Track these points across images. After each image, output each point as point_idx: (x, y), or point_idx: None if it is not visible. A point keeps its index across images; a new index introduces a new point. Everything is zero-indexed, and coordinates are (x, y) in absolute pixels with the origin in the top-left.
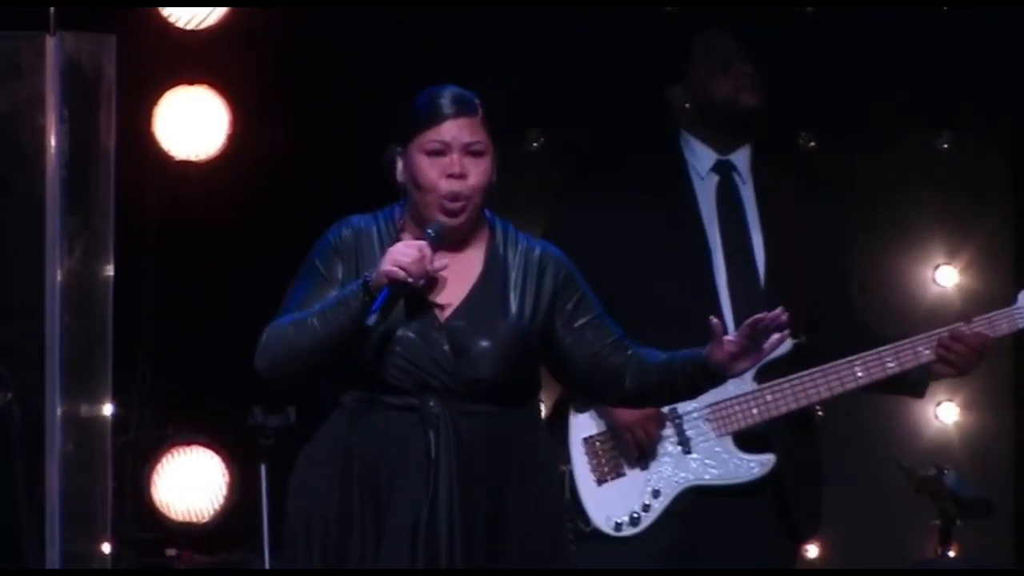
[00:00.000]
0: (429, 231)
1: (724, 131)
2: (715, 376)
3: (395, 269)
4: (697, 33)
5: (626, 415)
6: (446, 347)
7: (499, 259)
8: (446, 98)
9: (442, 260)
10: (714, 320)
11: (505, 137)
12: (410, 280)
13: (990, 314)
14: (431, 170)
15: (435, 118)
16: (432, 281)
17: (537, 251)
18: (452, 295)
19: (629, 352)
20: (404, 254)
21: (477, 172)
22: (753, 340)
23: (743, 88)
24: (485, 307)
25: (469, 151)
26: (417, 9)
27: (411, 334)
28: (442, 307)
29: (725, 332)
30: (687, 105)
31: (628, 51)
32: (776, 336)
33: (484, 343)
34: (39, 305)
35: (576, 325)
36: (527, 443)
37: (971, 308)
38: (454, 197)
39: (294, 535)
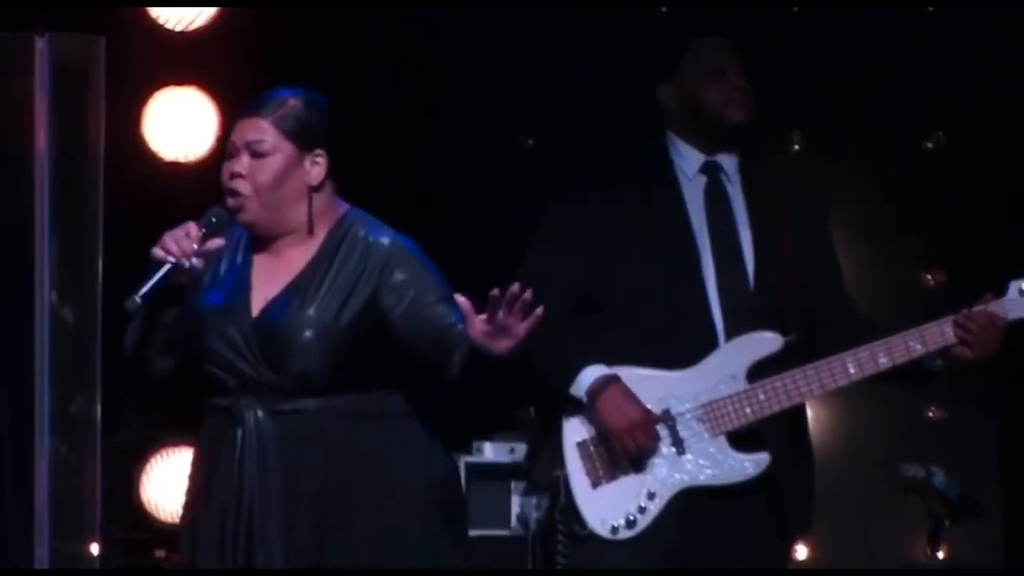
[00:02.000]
0: (210, 215)
1: (709, 138)
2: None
3: (157, 249)
4: (695, 36)
5: (616, 423)
6: (255, 344)
7: (328, 254)
8: (255, 98)
9: (216, 242)
10: (459, 297)
11: (497, 138)
12: (172, 259)
13: (980, 307)
14: (224, 169)
15: (235, 119)
16: (249, 280)
17: (384, 243)
18: (268, 292)
19: (460, 335)
20: (168, 234)
21: (258, 172)
22: (505, 320)
23: (732, 101)
24: (299, 302)
25: (251, 151)
26: (404, 9)
27: (227, 333)
28: (255, 305)
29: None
30: (675, 106)
31: (616, 51)
32: (533, 317)
33: (294, 338)
34: (28, 305)
35: (408, 312)
36: (358, 438)
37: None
38: (231, 194)
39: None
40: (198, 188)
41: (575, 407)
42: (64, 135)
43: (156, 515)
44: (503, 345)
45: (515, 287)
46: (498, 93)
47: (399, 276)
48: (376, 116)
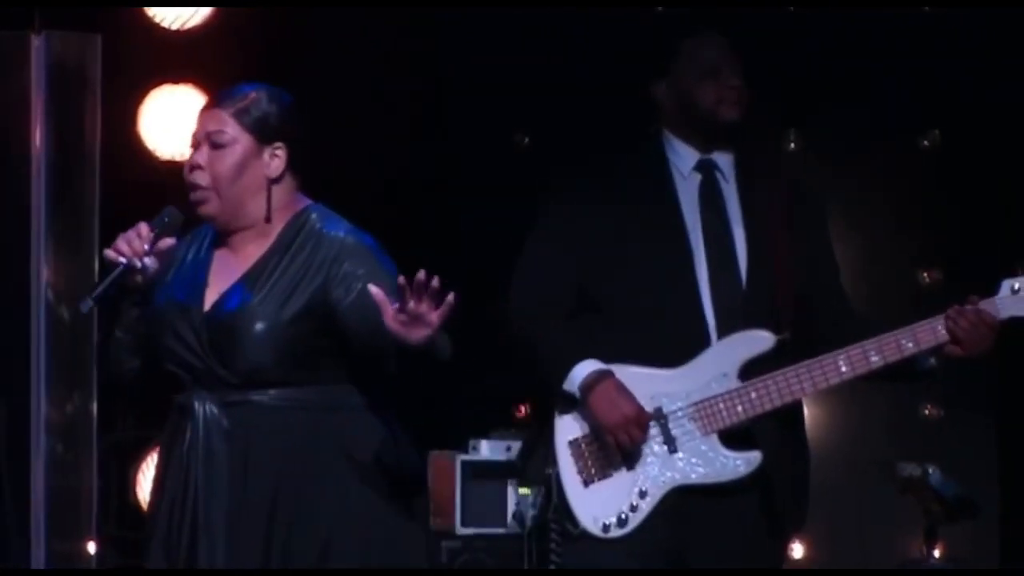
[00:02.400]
0: (163, 215)
1: (704, 136)
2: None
3: (108, 251)
4: (690, 34)
5: (609, 418)
6: (205, 338)
7: (282, 246)
8: (219, 92)
9: (167, 241)
10: (372, 287)
11: (492, 136)
12: (123, 260)
13: (971, 306)
14: (186, 163)
15: (199, 112)
16: (206, 276)
17: (337, 235)
18: (222, 286)
19: None
20: (121, 235)
21: (217, 163)
22: (417, 308)
23: (725, 100)
24: (249, 295)
25: (211, 142)
26: (403, 8)
27: (179, 329)
28: (208, 299)
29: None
30: (669, 104)
31: (612, 50)
32: (446, 305)
33: (242, 331)
34: (24, 305)
35: (356, 303)
36: (313, 431)
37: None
38: (191, 187)
39: None
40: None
41: (568, 405)
42: (60, 133)
43: None
44: (418, 334)
45: (421, 274)
46: (494, 92)
47: (348, 268)
48: (372, 115)
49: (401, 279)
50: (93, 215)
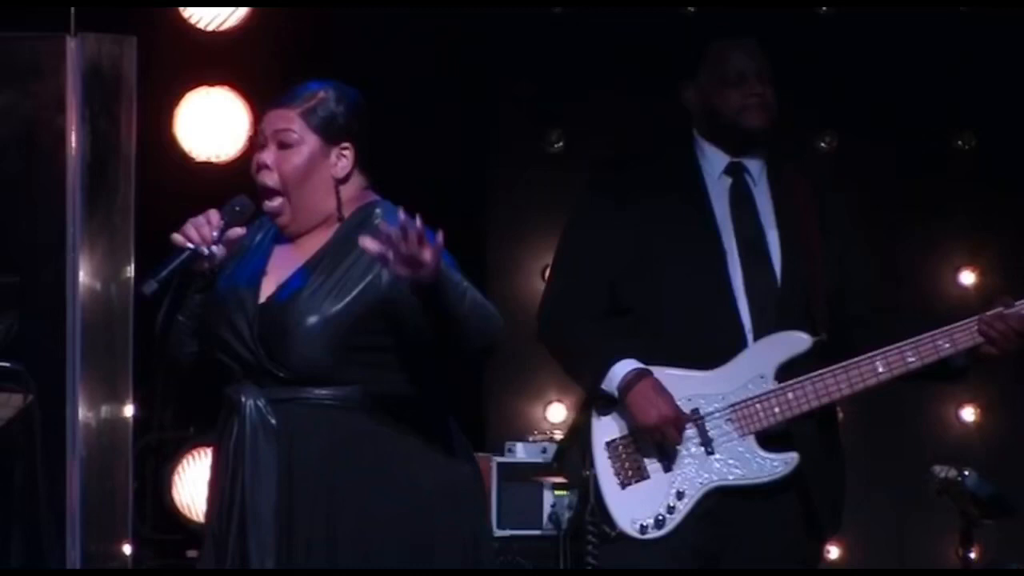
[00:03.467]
0: (234, 204)
1: (729, 141)
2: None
3: (176, 235)
4: (717, 37)
5: (647, 418)
6: (256, 331)
7: (341, 240)
8: (287, 90)
9: (236, 231)
10: (364, 239)
11: (525, 137)
12: (190, 245)
13: (1012, 310)
14: (254, 161)
15: (264, 110)
16: (265, 268)
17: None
18: (279, 279)
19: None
20: (191, 220)
21: (284, 164)
22: (410, 250)
23: (749, 107)
24: (305, 289)
25: (278, 141)
26: (438, 9)
27: (233, 319)
28: (264, 292)
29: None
30: (696, 108)
31: (646, 51)
32: (437, 241)
33: (296, 325)
34: (60, 306)
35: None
36: (367, 429)
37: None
38: (262, 189)
39: None
40: (230, 188)
41: (605, 406)
42: (96, 136)
43: (188, 515)
44: (422, 270)
45: (401, 215)
46: (533, 92)
47: None
48: (407, 114)
49: (382, 225)
50: (129, 217)
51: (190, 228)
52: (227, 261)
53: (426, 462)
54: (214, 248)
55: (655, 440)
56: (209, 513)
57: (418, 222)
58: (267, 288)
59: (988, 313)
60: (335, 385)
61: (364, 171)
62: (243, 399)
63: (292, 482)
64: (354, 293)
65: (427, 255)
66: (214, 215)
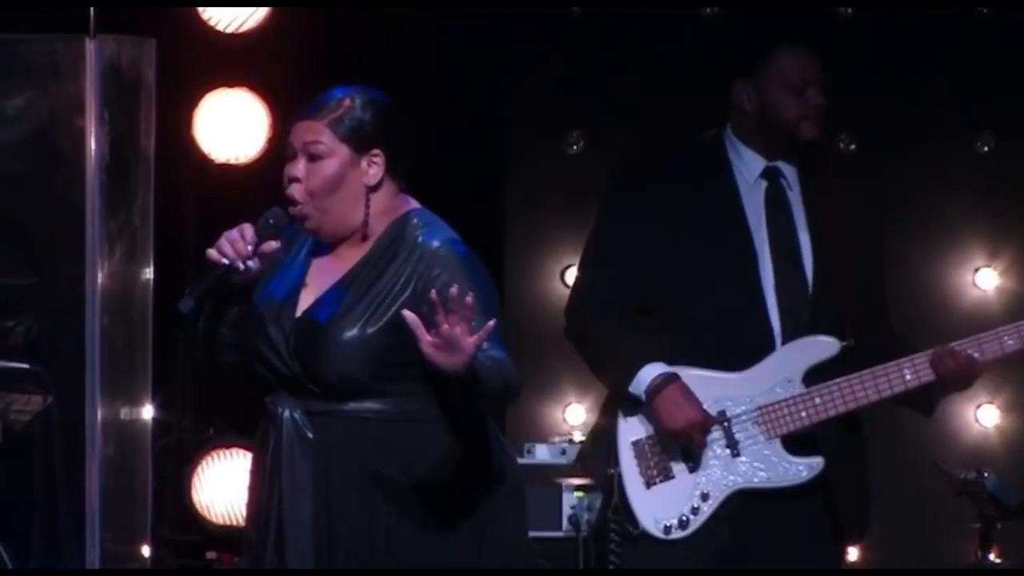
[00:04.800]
0: (267, 217)
1: (775, 147)
2: (435, 378)
3: (211, 251)
4: (785, 41)
5: (674, 422)
6: (292, 344)
7: (378, 254)
8: (313, 100)
9: (271, 244)
10: (407, 313)
11: (544, 138)
12: (225, 261)
13: (997, 330)
14: (284, 174)
15: (294, 120)
16: (303, 279)
17: (433, 246)
18: (316, 292)
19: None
20: (225, 235)
21: (314, 176)
22: (451, 332)
23: (808, 117)
24: (342, 303)
25: (307, 153)
26: (459, 9)
27: (270, 332)
28: (302, 304)
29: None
30: (748, 109)
31: (672, 53)
32: (484, 330)
33: (331, 340)
34: (79, 307)
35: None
36: (405, 443)
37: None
38: (291, 201)
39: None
40: (249, 190)
41: (631, 406)
42: (115, 137)
43: (207, 517)
44: (453, 360)
45: (454, 289)
46: (552, 93)
47: (437, 283)
48: (428, 116)
49: (433, 293)
50: (148, 218)
51: (224, 243)
52: (263, 274)
53: (464, 473)
54: (249, 263)
55: (681, 444)
56: (247, 522)
57: (469, 299)
58: (304, 302)
59: (950, 347)
60: (371, 398)
61: (397, 176)
62: (280, 411)
63: (329, 494)
64: (391, 312)
65: (468, 343)
66: (248, 229)
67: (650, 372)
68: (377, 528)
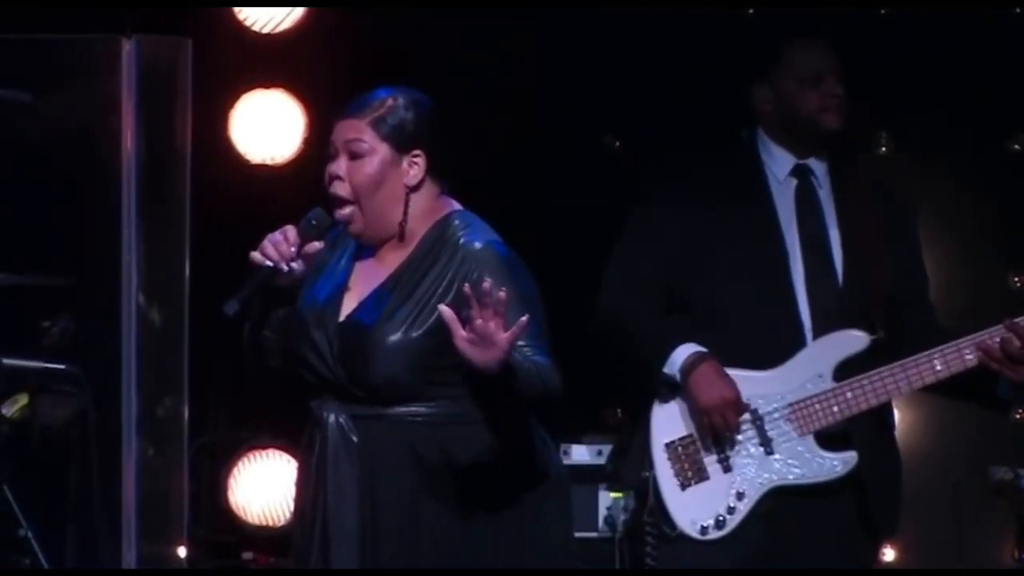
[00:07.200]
0: (310, 218)
1: (802, 142)
2: (472, 378)
3: (255, 253)
4: (793, 37)
5: (707, 399)
6: (335, 348)
7: (420, 257)
8: (356, 99)
9: (314, 245)
10: (443, 307)
11: (577, 139)
12: (269, 263)
13: None
14: (326, 172)
15: (336, 119)
16: (346, 283)
17: (475, 248)
18: (359, 295)
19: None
20: (267, 238)
21: (355, 174)
22: (485, 326)
23: (828, 108)
24: (384, 306)
25: (349, 151)
26: (494, 9)
27: (313, 335)
28: (345, 308)
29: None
30: (769, 109)
31: (704, 52)
32: (517, 326)
33: (375, 343)
34: (115, 308)
35: None
36: (450, 445)
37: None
38: (334, 200)
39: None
40: (285, 190)
41: (663, 407)
42: (151, 138)
43: (243, 517)
44: (488, 356)
45: (487, 283)
46: (585, 93)
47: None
48: (464, 116)
49: (466, 287)
50: (184, 218)
51: (268, 246)
52: (307, 275)
53: (508, 474)
54: (293, 264)
55: (713, 424)
56: (293, 525)
57: (502, 294)
58: (347, 306)
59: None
60: (415, 402)
61: (438, 178)
62: (325, 415)
63: (375, 498)
64: (430, 315)
65: (503, 339)
66: (291, 231)
67: (684, 351)
68: (422, 530)
